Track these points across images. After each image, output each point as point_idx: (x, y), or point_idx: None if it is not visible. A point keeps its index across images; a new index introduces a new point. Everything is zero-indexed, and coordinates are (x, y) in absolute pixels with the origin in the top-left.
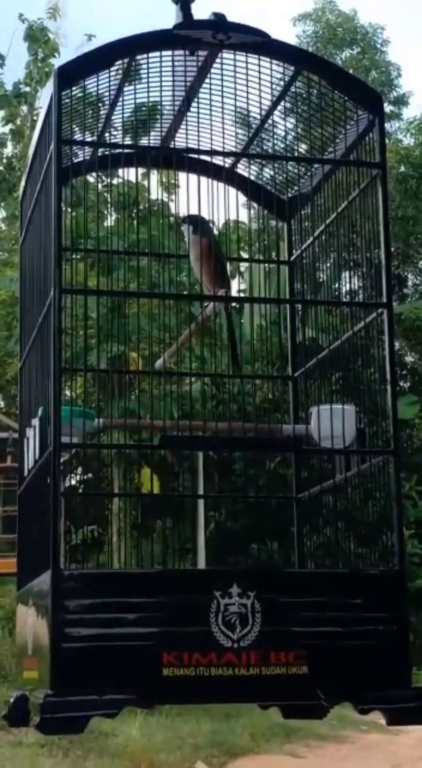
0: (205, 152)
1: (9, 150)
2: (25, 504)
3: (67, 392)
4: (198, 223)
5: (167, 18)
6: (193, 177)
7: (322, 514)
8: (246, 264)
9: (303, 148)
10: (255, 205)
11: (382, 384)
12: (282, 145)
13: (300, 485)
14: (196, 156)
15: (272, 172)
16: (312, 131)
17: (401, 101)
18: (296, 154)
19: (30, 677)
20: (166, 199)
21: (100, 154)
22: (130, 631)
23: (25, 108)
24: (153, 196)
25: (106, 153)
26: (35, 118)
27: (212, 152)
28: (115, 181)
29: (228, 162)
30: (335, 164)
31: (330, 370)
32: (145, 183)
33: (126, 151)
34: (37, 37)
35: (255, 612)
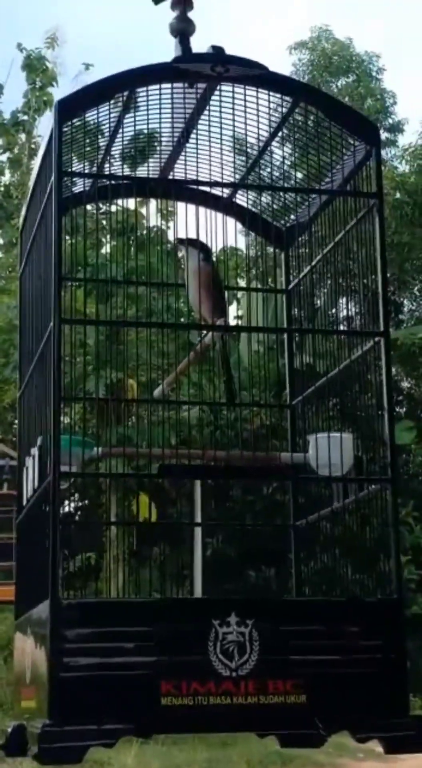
0: (204, 183)
1: (7, 178)
2: (24, 532)
3: (66, 420)
4: (205, 250)
5: (164, 47)
6: (192, 207)
7: (320, 541)
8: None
9: (300, 177)
10: (251, 233)
11: (379, 410)
12: (280, 175)
13: (298, 512)
14: (194, 186)
15: (270, 201)
16: (310, 161)
17: (396, 128)
18: (293, 183)
19: (28, 706)
20: (163, 227)
21: (99, 184)
22: (128, 661)
23: (23, 136)
24: (150, 224)
25: (106, 183)
26: (33, 146)
27: (211, 183)
28: (113, 209)
29: (226, 192)
30: (333, 194)
31: (328, 398)
32: (143, 211)
33: (125, 182)
34: (35, 66)
35: (253, 641)
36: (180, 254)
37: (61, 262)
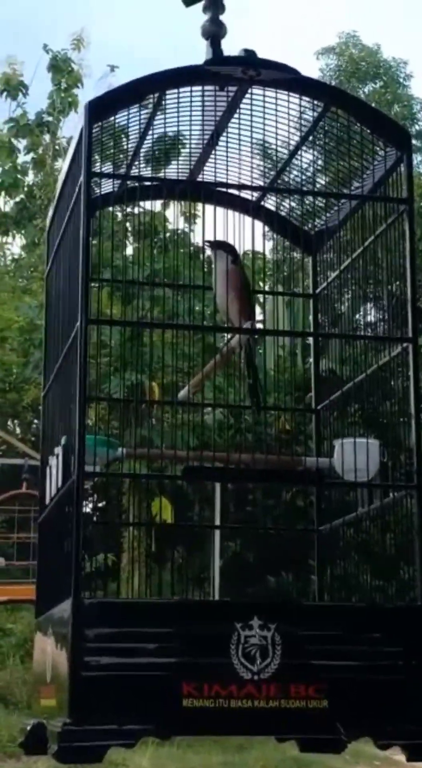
0: (234, 186)
1: (30, 178)
2: (46, 532)
3: (88, 421)
4: (233, 252)
5: (190, 49)
6: (220, 210)
7: (343, 547)
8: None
9: (328, 181)
10: (276, 236)
11: (404, 417)
12: (309, 179)
13: (321, 518)
14: (223, 189)
15: (298, 206)
16: (339, 166)
17: None
18: (322, 188)
19: (47, 705)
20: (188, 230)
21: (128, 186)
22: (149, 661)
23: (47, 137)
24: (175, 227)
25: (134, 185)
26: (57, 147)
27: (240, 186)
28: (137, 211)
29: (255, 196)
30: (362, 200)
31: (353, 403)
32: (168, 213)
33: (154, 183)
34: (60, 68)
35: (275, 644)
36: (208, 255)
37: (88, 262)
